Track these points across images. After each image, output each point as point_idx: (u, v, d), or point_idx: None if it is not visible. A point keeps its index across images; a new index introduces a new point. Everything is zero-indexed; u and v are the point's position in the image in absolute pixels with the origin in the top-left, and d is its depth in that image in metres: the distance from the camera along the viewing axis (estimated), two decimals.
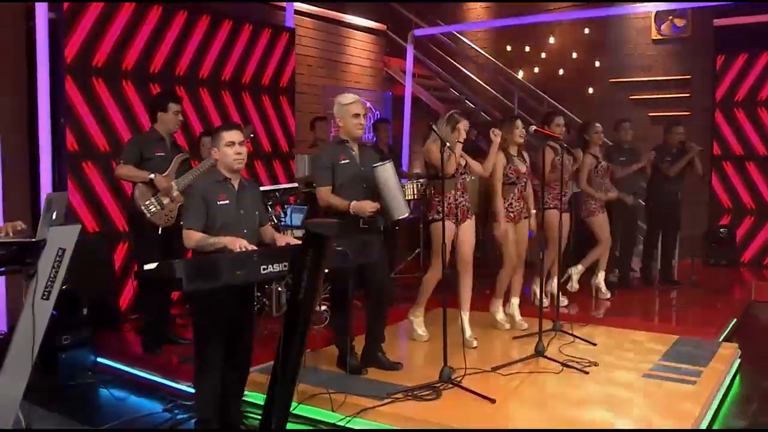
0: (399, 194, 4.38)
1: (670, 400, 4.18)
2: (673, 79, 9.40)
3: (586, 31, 10.06)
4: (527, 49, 10.60)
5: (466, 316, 5.36)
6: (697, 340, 5.47)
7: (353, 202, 4.38)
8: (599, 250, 6.62)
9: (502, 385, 4.39)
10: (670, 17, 9.40)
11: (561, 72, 10.25)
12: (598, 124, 6.52)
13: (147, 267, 3.04)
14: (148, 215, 4.83)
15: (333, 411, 4.01)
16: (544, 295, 6.44)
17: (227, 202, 3.75)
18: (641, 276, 7.53)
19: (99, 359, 5.11)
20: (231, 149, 3.75)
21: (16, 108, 5.74)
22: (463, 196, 5.13)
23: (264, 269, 3.23)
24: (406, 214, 4.41)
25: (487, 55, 10.84)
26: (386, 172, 4.27)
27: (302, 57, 8.74)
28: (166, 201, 4.87)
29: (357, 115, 4.50)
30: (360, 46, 10.02)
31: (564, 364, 4.75)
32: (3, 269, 3.46)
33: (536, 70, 10.51)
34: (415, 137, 9.92)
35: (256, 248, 3.46)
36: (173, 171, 4.92)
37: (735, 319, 6.40)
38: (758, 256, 8.78)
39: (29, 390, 3.47)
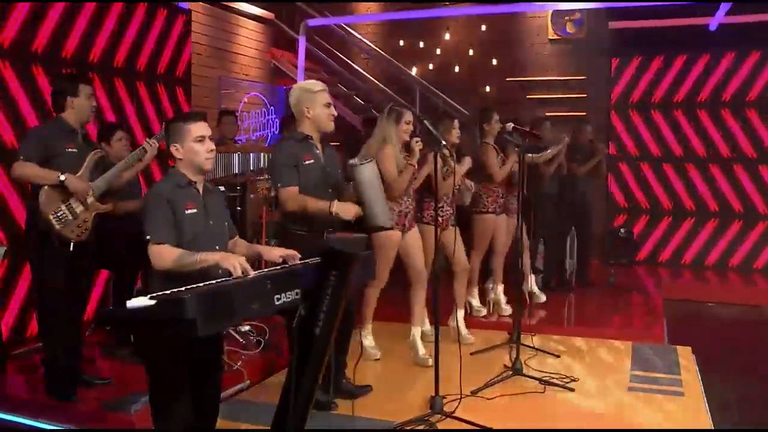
0: (383, 197, 3.77)
1: (676, 416, 3.95)
2: (569, 80, 9.41)
3: (483, 28, 9.85)
4: (421, 44, 10.22)
5: (418, 331, 4.91)
6: (652, 346, 5.38)
7: (335, 203, 3.68)
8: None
9: (493, 411, 3.94)
10: (566, 18, 9.41)
11: (456, 69, 9.98)
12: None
13: (133, 303, 2.22)
14: (57, 226, 3.85)
15: None
16: (483, 304, 6.10)
17: (195, 211, 2.99)
18: (558, 278, 7.40)
19: None
20: (201, 146, 2.99)
21: None
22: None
23: (278, 299, 2.51)
24: (391, 221, 3.82)
25: (377, 49, 10.36)
26: (370, 171, 3.65)
27: (193, 44, 7.77)
28: (79, 209, 3.92)
29: (329, 105, 3.84)
30: (249, 35, 9.17)
31: (545, 382, 4.39)
32: None
33: (431, 66, 10.16)
34: None
35: (251, 270, 2.70)
36: (87, 171, 3.96)
37: (665, 320, 6.41)
38: (654, 255, 9.03)
39: None
